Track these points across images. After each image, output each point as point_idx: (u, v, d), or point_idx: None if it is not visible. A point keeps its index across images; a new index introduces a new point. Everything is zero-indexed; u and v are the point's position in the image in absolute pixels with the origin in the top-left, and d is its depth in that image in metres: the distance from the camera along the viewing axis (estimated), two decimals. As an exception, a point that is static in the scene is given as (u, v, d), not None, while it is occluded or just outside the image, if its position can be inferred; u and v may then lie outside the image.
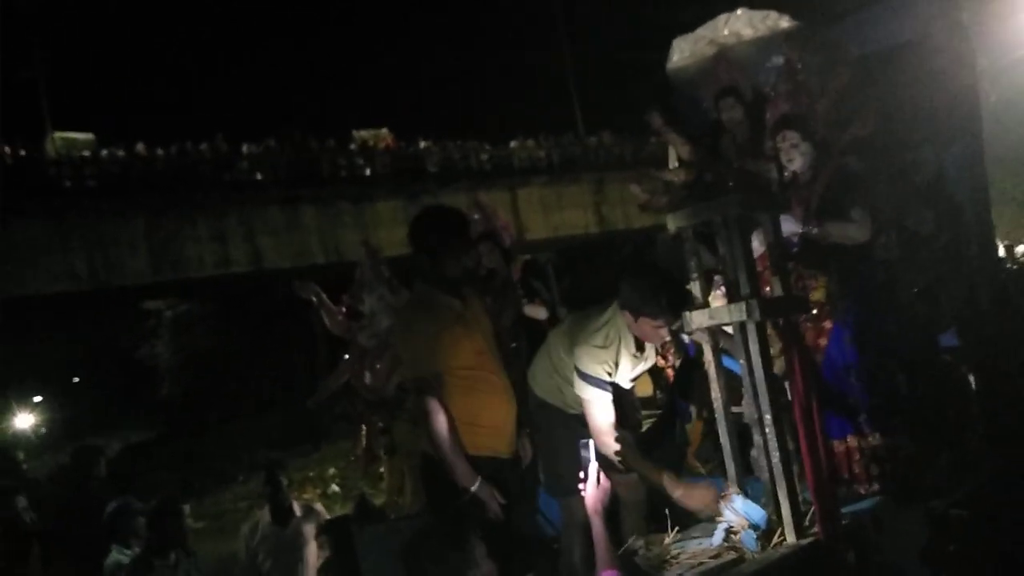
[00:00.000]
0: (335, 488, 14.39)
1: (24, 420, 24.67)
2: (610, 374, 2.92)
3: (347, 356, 4.40)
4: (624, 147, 23.82)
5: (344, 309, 4.37)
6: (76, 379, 27.15)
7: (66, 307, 18.48)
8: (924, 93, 3.89)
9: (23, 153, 16.47)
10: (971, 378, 3.85)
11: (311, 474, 15.32)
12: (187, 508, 4.49)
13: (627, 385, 3.05)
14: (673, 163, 4.70)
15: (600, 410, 2.90)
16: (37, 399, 28.15)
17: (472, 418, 2.72)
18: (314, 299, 4.39)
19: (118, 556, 3.78)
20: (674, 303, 2.85)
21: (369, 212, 19.92)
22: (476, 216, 4.31)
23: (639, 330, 2.88)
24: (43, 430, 25.34)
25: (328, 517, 4.78)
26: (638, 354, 2.97)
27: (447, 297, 2.77)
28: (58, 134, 18.02)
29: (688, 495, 2.80)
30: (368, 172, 20.08)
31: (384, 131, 21.44)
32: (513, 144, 22.69)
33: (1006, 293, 4.16)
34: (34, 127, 18.30)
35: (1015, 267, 8.55)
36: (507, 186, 21.47)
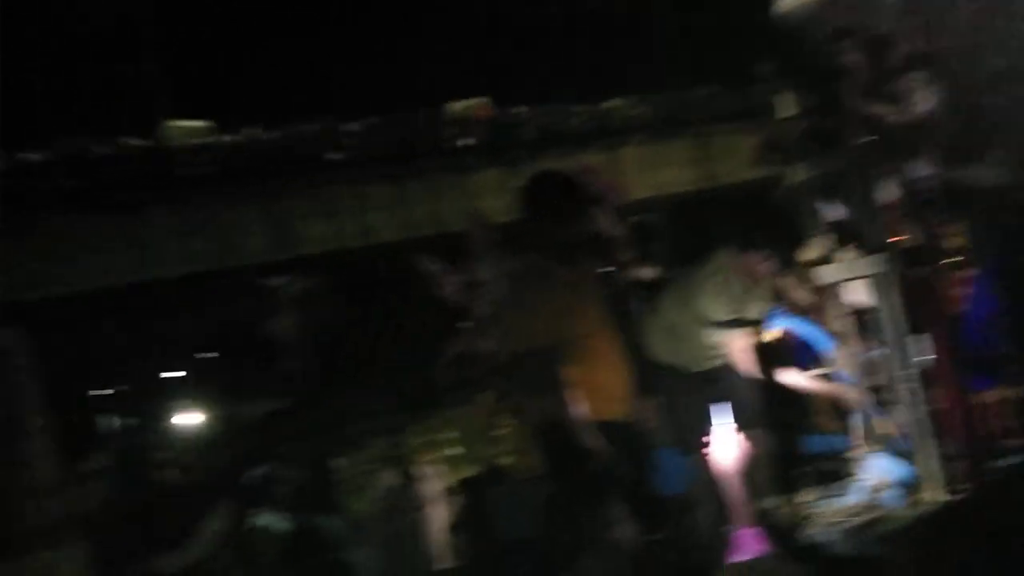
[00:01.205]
0: (455, 451, 14.86)
1: (162, 396, 26.47)
2: (738, 315, 2.87)
3: (465, 324, 4.51)
4: (728, 99, 23.04)
5: (459, 279, 4.47)
6: (211, 355, 28.86)
7: (190, 289, 19.61)
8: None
9: (142, 143, 17.43)
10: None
11: (431, 438, 15.81)
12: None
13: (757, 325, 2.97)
14: (787, 111, 4.55)
15: (743, 349, 2.90)
16: (171, 375, 30.12)
17: (586, 384, 2.75)
18: (432, 270, 4.51)
19: (269, 519, 4.04)
20: (775, 237, 2.78)
21: (469, 182, 20.12)
22: (586, 179, 4.29)
23: (746, 269, 2.82)
24: (183, 404, 27.11)
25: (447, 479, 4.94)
26: (756, 291, 2.89)
27: (557, 266, 2.77)
28: (174, 123, 18.90)
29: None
30: (465, 143, 20.26)
31: (480, 101, 21.51)
32: (609, 104, 22.32)
33: None
34: (151, 117, 19.30)
35: None
36: (606, 146, 21.21)
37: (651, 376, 3.22)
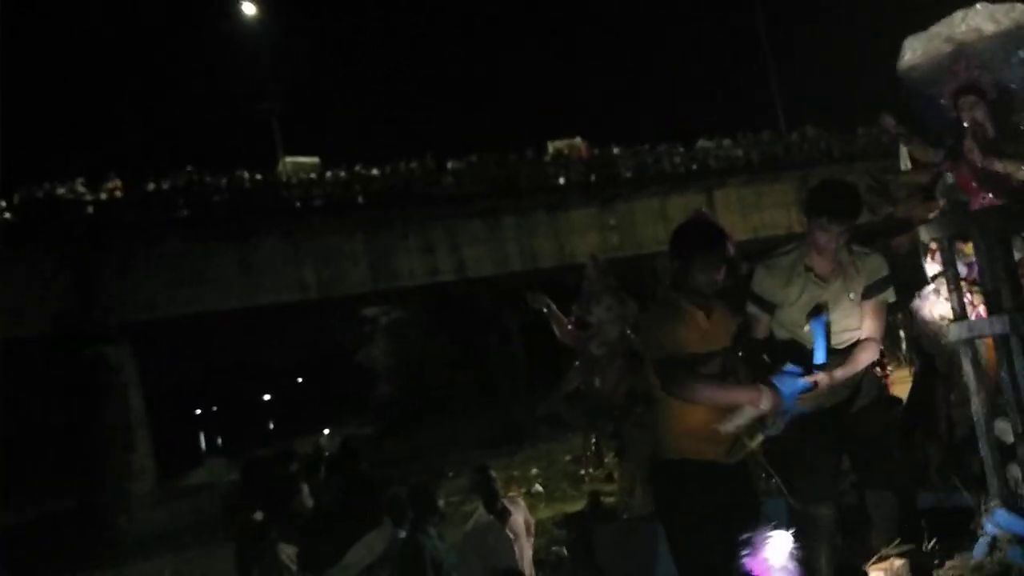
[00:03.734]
0: (538, 488, 14.91)
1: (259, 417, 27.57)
2: (775, 298, 2.90)
3: (577, 363, 4.63)
4: (830, 141, 22.68)
5: (573, 319, 4.59)
6: (300, 380, 29.93)
7: (296, 315, 20.45)
8: None
9: (259, 177, 18.44)
10: None
11: (515, 473, 15.93)
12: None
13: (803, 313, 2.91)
14: (906, 164, 4.55)
15: (757, 329, 2.94)
16: (267, 398, 31.39)
17: (689, 424, 2.81)
18: (545, 310, 4.64)
19: (396, 531, 4.30)
20: (840, 204, 2.78)
21: (564, 220, 20.40)
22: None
23: (815, 241, 2.83)
24: (272, 426, 28.18)
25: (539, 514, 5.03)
26: (819, 281, 2.88)
27: (692, 306, 2.86)
28: (288, 158, 19.97)
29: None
30: (562, 181, 20.57)
31: (578, 140, 21.84)
32: (706, 143, 22.28)
33: None
34: (268, 153, 20.43)
35: None
36: (703, 188, 21.13)
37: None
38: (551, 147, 21.39)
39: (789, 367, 2.75)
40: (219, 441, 30.92)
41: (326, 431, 23.50)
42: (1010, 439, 2.93)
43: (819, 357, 2.77)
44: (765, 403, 2.70)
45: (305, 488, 4.58)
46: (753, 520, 2.91)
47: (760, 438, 2.83)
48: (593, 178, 20.72)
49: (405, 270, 18.75)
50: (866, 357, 2.90)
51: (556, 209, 20.27)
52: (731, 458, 2.85)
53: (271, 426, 29.67)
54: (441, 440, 19.71)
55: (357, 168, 18.88)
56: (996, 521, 2.67)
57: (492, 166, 19.67)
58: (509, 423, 17.95)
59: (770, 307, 2.95)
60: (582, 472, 11.07)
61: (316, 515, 4.48)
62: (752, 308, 2.98)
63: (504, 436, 17.61)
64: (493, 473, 5.18)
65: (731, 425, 2.76)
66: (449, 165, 19.55)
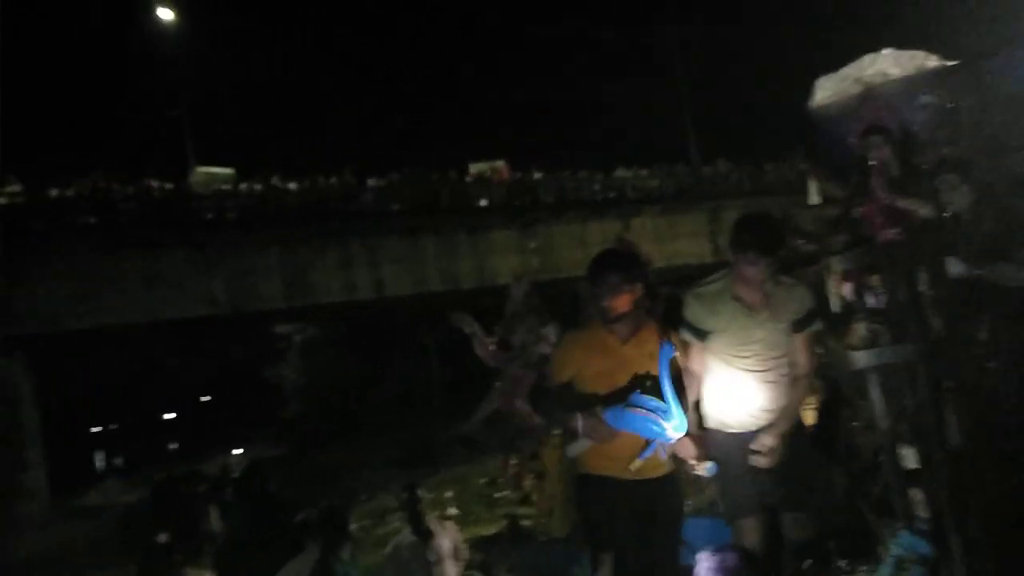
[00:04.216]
0: (452, 511, 14.77)
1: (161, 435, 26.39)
2: (706, 325, 2.98)
3: (497, 385, 4.63)
4: (741, 175, 23.54)
5: (496, 340, 4.60)
6: (208, 398, 28.86)
7: (205, 331, 19.75)
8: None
9: (169, 187, 17.83)
10: None
11: (429, 495, 15.73)
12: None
13: (733, 341, 3.01)
14: (814, 199, 4.76)
15: (692, 356, 3.03)
16: (171, 416, 30.09)
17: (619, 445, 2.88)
18: (468, 330, 4.64)
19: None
20: (766, 238, 2.89)
21: (484, 241, 20.48)
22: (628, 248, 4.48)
23: (742, 273, 2.92)
24: (175, 445, 27.03)
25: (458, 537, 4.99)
26: (747, 310, 2.96)
27: (604, 331, 2.93)
28: (200, 169, 19.39)
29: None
30: (484, 202, 20.67)
31: (500, 163, 22.01)
32: (625, 173, 22.81)
33: None
34: (179, 163, 19.78)
35: None
36: (620, 215, 21.61)
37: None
38: (473, 168, 21.48)
39: (641, 398, 2.81)
40: (118, 461, 29.60)
41: (234, 451, 22.73)
42: (912, 464, 3.07)
43: (675, 425, 2.84)
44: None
45: (213, 510, 4.41)
46: (668, 534, 3.00)
47: (638, 462, 2.92)
48: (515, 201, 20.90)
49: (321, 287, 18.40)
50: (799, 393, 3.00)
51: (477, 230, 20.32)
52: (638, 475, 2.92)
53: (175, 446, 28.58)
54: (354, 461, 19.33)
55: (274, 181, 18.49)
56: (900, 543, 2.78)
57: (413, 185, 19.59)
58: (424, 444, 17.76)
59: (703, 334, 3.03)
60: (497, 495, 11.08)
61: (230, 542, 4.32)
62: (686, 335, 3.05)
63: (419, 457, 17.42)
64: (421, 494, 5.12)
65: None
66: (369, 182, 19.37)
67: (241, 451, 21.64)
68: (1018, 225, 3.27)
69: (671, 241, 22.40)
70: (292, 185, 18.55)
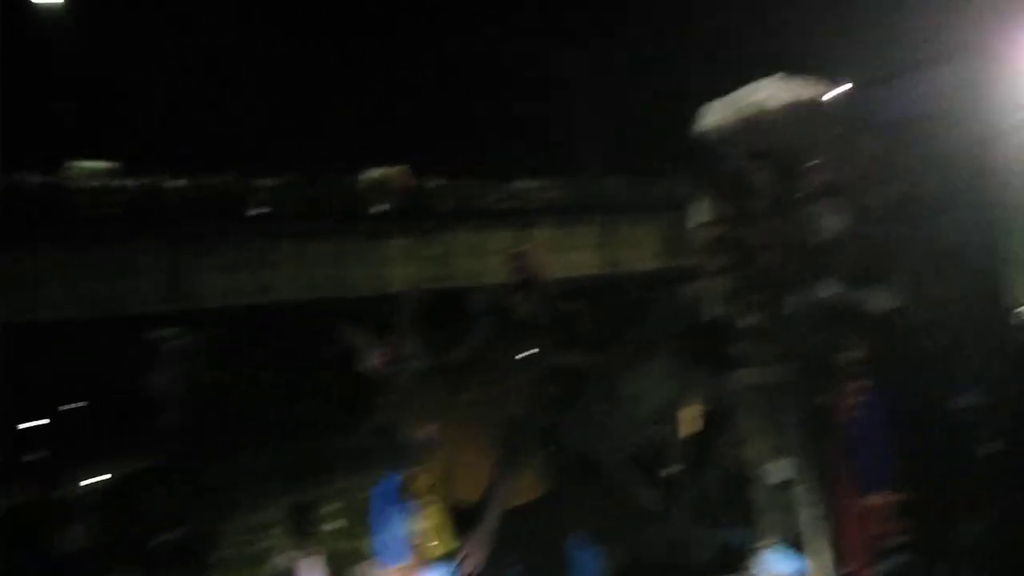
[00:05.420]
0: (339, 524, 14.41)
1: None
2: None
3: (385, 397, 4.50)
4: (634, 191, 24.17)
5: (385, 351, 4.47)
6: (77, 405, 27.14)
7: (76, 334, 18.62)
8: (944, 163, 4.09)
9: (42, 180, 16.78)
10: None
11: (314, 509, 15.30)
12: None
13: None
14: (698, 218, 4.87)
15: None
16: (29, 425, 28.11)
17: (458, 470, 2.84)
18: (355, 340, 4.50)
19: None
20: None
21: (379, 248, 20.19)
22: (515, 264, 4.46)
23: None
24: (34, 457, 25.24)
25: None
26: None
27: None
28: (78, 162, 18.32)
29: None
30: (379, 208, 20.40)
31: (398, 169, 21.76)
32: (522, 184, 23.05)
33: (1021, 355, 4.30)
34: (55, 155, 18.61)
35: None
36: (519, 226, 21.75)
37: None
38: (370, 173, 21.16)
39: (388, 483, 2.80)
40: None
41: (102, 464, 21.44)
42: (782, 479, 3.15)
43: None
44: None
45: (76, 529, 4.10)
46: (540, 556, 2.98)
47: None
48: (411, 208, 20.73)
49: (205, 290, 17.68)
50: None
51: (372, 236, 20.01)
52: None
53: (34, 458, 26.69)
54: (235, 474, 18.62)
55: (158, 178, 17.67)
56: (767, 560, 2.84)
57: (307, 187, 19.14)
58: (311, 456, 17.30)
59: None
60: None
61: (89, 566, 4.01)
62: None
63: (304, 470, 16.95)
64: (310, 514, 4.94)
65: None
66: (261, 182, 18.79)
67: (105, 464, 20.46)
68: (887, 252, 3.42)
69: (568, 252, 22.75)
70: (177, 182, 17.78)
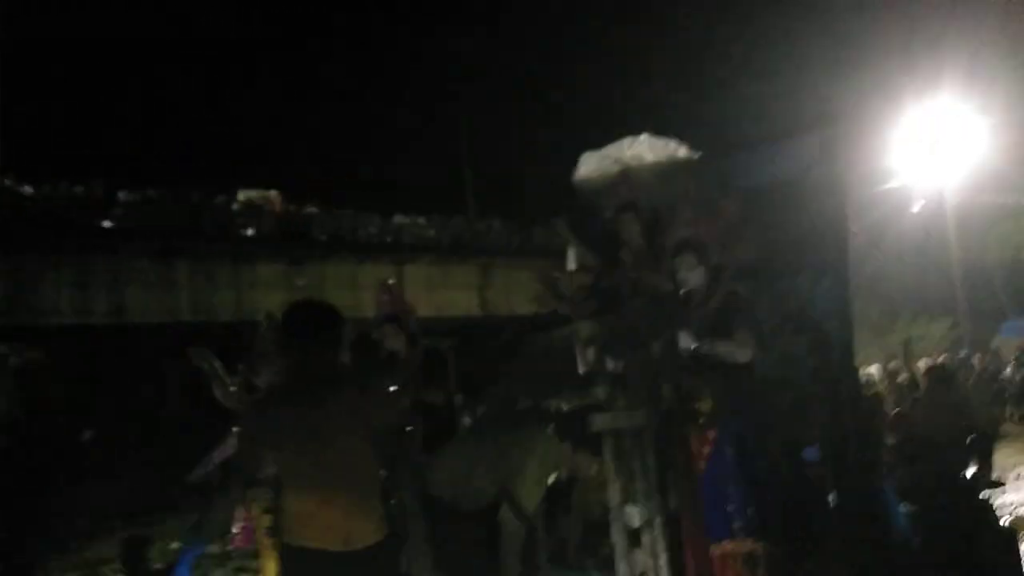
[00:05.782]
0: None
1: None
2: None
3: (236, 428, 4.28)
4: (512, 235, 24.52)
5: (239, 380, 4.27)
6: None
7: None
8: (801, 226, 4.36)
9: None
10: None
11: (155, 547, 14.32)
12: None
13: None
14: (571, 265, 4.99)
15: None
16: None
17: (299, 510, 2.75)
18: (206, 367, 4.27)
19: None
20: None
21: (248, 273, 19.45)
22: (384, 297, 4.39)
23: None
24: None
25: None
26: None
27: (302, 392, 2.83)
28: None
29: None
30: (251, 232, 19.72)
31: (272, 192, 21.16)
32: (402, 219, 22.91)
33: (864, 413, 4.61)
34: None
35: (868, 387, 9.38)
36: (395, 260, 21.53)
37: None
38: (242, 195, 20.45)
39: None
40: None
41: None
42: (637, 523, 3.21)
43: None
44: None
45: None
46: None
47: None
48: (285, 235, 20.14)
49: (49, 306, 16.41)
50: None
51: (240, 260, 19.26)
52: (348, 546, 2.77)
53: None
54: (71, 506, 17.20)
55: (7, 183, 16.39)
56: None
57: (172, 204, 18.24)
58: (156, 489, 16.23)
59: None
60: (230, 548, 10.30)
61: None
62: None
63: (148, 503, 15.90)
64: (149, 551, 4.61)
65: None
66: (120, 195, 17.76)
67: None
68: (740, 307, 3.60)
69: (443, 290, 22.69)
70: (27, 188, 16.54)
